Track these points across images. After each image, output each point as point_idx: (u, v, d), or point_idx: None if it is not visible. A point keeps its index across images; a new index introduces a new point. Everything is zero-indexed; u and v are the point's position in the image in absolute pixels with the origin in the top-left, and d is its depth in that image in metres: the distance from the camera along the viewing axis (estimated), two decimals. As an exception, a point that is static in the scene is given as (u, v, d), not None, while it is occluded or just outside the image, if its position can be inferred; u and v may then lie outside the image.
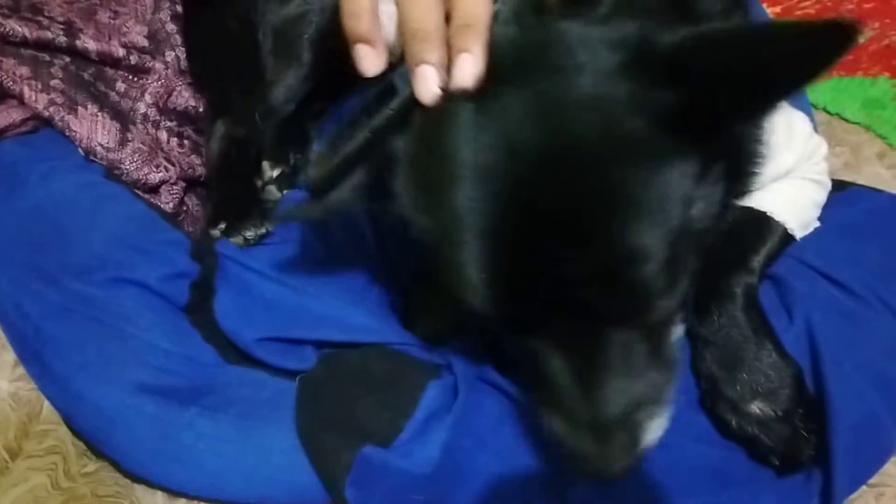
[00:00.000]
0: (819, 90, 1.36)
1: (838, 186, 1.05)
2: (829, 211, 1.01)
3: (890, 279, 0.94)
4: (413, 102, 0.63)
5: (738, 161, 0.79)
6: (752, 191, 0.90)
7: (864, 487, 0.91)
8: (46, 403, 0.98)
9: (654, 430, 0.71)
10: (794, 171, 0.98)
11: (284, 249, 0.98)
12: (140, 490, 0.93)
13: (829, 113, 1.35)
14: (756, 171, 0.84)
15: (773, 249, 0.95)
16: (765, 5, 1.53)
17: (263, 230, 0.99)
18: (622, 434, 0.68)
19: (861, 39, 1.42)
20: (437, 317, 0.94)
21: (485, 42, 0.61)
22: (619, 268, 0.60)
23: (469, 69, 0.61)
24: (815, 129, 1.12)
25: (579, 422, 0.69)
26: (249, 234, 0.98)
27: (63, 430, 0.98)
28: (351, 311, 0.94)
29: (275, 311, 0.93)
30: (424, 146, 0.65)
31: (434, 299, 0.94)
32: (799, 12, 1.52)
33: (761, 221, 0.95)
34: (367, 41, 0.67)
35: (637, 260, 0.60)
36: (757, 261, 0.93)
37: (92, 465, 0.95)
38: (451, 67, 0.62)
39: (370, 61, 0.67)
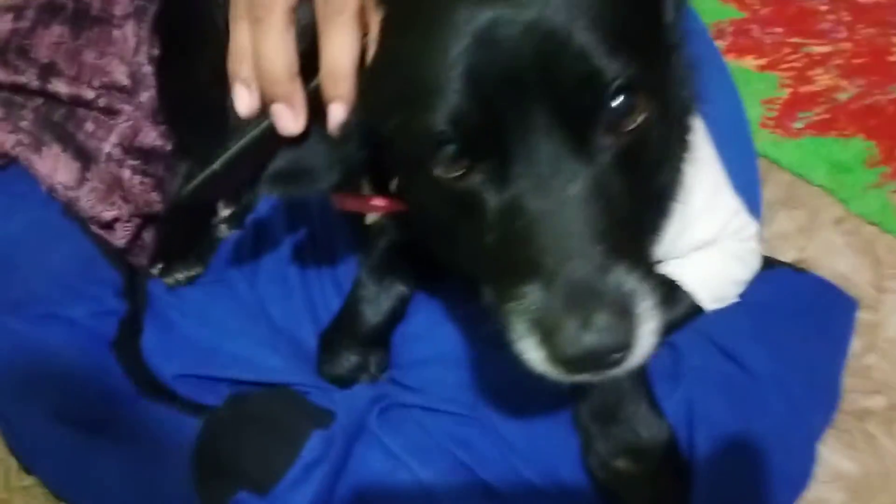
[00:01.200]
0: (785, 149, 1.36)
1: (768, 264, 1.07)
2: (749, 287, 1.03)
3: (788, 360, 0.95)
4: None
5: None
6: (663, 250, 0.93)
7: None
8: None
9: (650, 315, 0.65)
10: (714, 243, 1.00)
11: (212, 290, 1.06)
12: (65, 507, 1.02)
13: (792, 173, 1.34)
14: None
15: (675, 318, 0.98)
16: (750, 57, 1.52)
17: (194, 272, 1.06)
18: (609, 291, 0.62)
19: (842, 97, 1.42)
20: (346, 359, 1.01)
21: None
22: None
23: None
24: (759, 202, 1.14)
25: (553, 278, 0.63)
26: (181, 275, 1.06)
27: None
28: (262, 352, 1.00)
29: (193, 349, 1.01)
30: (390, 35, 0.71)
31: (345, 343, 1.01)
32: (785, 65, 1.51)
33: (667, 288, 0.97)
34: (245, 85, 0.78)
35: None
36: None
37: (28, 480, 1.03)
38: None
39: (244, 102, 0.79)
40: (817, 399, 0.95)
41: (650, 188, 0.76)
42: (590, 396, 0.89)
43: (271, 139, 0.78)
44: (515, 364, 0.69)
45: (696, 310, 0.99)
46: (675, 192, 0.87)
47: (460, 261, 0.78)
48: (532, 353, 0.65)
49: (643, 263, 0.67)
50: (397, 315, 1.01)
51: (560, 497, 0.89)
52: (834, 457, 1.00)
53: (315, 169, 0.79)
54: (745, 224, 1.02)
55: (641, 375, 0.91)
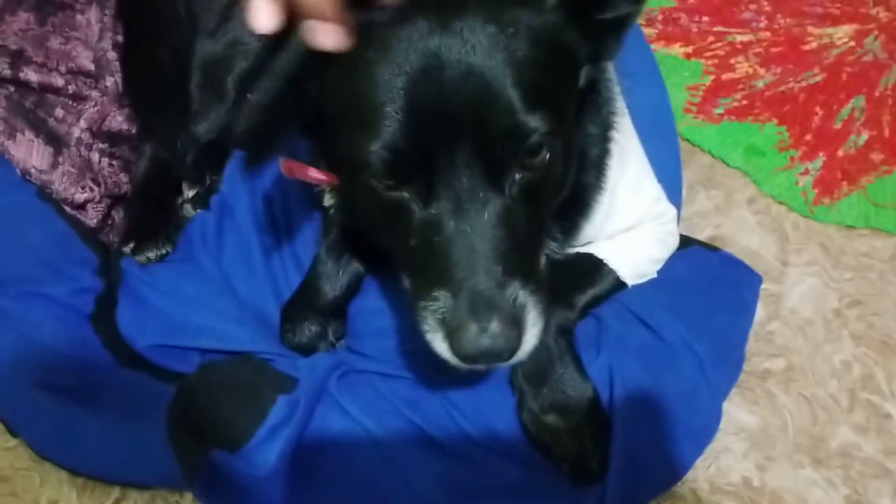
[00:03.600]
0: (706, 133, 1.48)
1: (684, 243, 1.20)
2: (666, 264, 1.16)
3: (698, 329, 1.08)
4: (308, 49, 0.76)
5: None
6: (585, 230, 1.06)
7: (657, 506, 1.07)
8: (-20, 386, 1.16)
9: (534, 325, 0.80)
10: (636, 227, 1.12)
11: (180, 267, 1.15)
12: (48, 467, 1.10)
13: (712, 156, 1.46)
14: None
15: (600, 293, 1.11)
16: (677, 45, 1.64)
17: (164, 251, 1.15)
18: (504, 304, 0.77)
19: (759, 84, 1.55)
20: (307, 329, 1.11)
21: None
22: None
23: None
24: (679, 185, 1.27)
25: (460, 288, 0.78)
26: (151, 254, 1.14)
27: (-9, 410, 1.16)
28: (229, 324, 1.10)
29: (164, 321, 1.10)
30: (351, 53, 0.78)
31: (306, 314, 1.11)
32: (709, 53, 1.62)
33: (595, 266, 1.11)
34: None
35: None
36: (580, 299, 1.09)
37: (12, 441, 1.13)
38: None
39: (263, 15, 0.72)
40: (723, 363, 1.08)
41: (548, 209, 0.90)
42: (523, 362, 1.01)
43: (308, 60, 0.78)
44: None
45: (620, 285, 1.12)
46: (596, 192, 1.03)
47: (389, 251, 0.92)
48: (438, 344, 0.82)
49: (534, 279, 0.82)
50: (353, 290, 1.13)
51: (497, 449, 1.01)
52: (738, 412, 1.15)
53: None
54: (665, 210, 1.15)
55: (570, 343, 1.04)
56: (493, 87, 0.76)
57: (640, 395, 1.01)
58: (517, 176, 0.80)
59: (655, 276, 1.14)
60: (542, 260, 0.90)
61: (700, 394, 1.03)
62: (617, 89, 1.03)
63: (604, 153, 1.01)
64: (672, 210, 1.15)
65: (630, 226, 1.12)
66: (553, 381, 1.00)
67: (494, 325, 0.77)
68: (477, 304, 0.77)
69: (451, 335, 0.79)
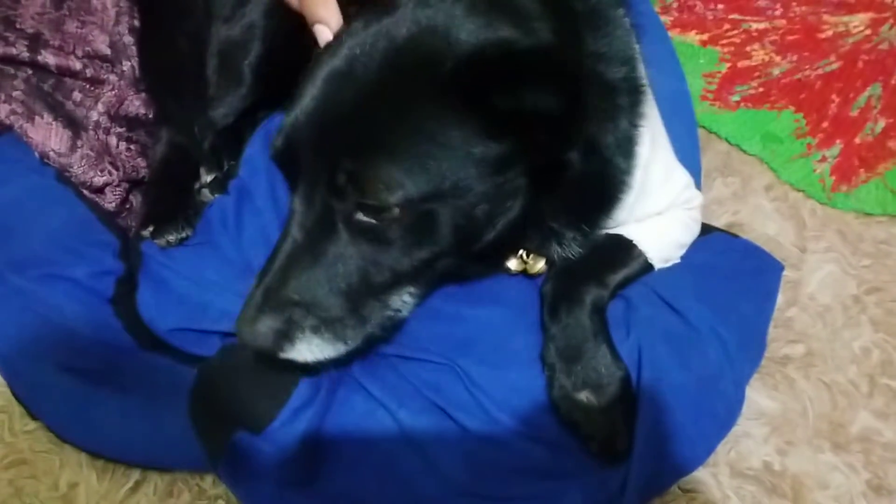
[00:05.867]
0: (723, 120, 1.48)
1: (705, 230, 1.20)
2: (689, 250, 1.16)
3: (724, 314, 1.08)
4: None
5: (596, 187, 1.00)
6: (614, 218, 1.05)
7: (678, 491, 1.07)
8: (-2, 368, 1.16)
9: (307, 343, 0.88)
10: (666, 212, 1.12)
11: (200, 251, 1.14)
12: (68, 449, 1.10)
13: (729, 143, 1.46)
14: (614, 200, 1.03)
15: (630, 274, 1.11)
16: (693, 32, 1.63)
17: (184, 234, 1.14)
18: (280, 312, 0.87)
19: (775, 72, 1.55)
20: None
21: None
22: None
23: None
24: (699, 171, 1.26)
25: (262, 282, 0.89)
26: (171, 237, 1.13)
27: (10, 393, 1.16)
28: (249, 307, 1.10)
29: (185, 305, 1.09)
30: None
31: None
32: (725, 40, 1.62)
33: (626, 248, 1.10)
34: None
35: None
36: (613, 279, 1.08)
37: (31, 424, 1.13)
38: None
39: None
40: (746, 349, 1.08)
41: (416, 258, 0.91)
42: (555, 339, 1.02)
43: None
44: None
45: (647, 267, 1.12)
46: (621, 188, 1.03)
47: None
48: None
49: (319, 309, 0.89)
50: None
51: (522, 430, 1.01)
52: (758, 397, 1.15)
53: None
54: (693, 196, 1.15)
55: (603, 321, 1.04)
56: (350, 130, 0.84)
57: (666, 378, 1.01)
58: (358, 217, 0.86)
59: (678, 260, 1.14)
60: (371, 307, 0.93)
61: (724, 378, 1.03)
62: (647, 88, 1.03)
63: (630, 160, 1.02)
64: (699, 196, 1.16)
65: (660, 210, 1.12)
66: (587, 359, 1.00)
67: (262, 325, 0.87)
68: (261, 301, 0.88)
69: (240, 316, 0.90)
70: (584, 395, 1.00)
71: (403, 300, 0.95)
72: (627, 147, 1.00)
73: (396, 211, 0.84)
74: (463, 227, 0.88)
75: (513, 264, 1.08)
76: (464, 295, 1.09)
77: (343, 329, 0.90)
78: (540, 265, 1.08)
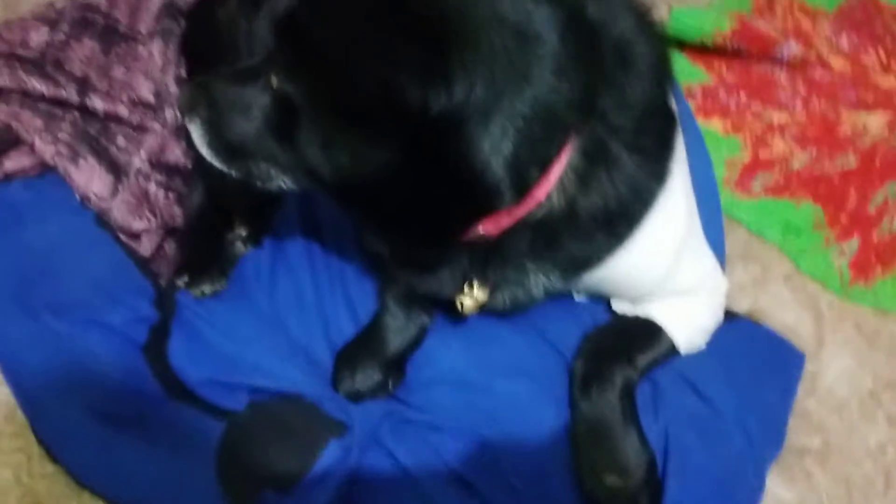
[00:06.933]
0: (744, 209, 1.51)
1: (728, 316, 1.22)
2: (714, 335, 1.18)
3: (749, 402, 1.10)
4: None
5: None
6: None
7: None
8: (21, 407, 1.16)
9: None
10: (693, 293, 1.14)
11: (235, 304, 1.16)
12: (86, 496, 1.09)
13: (750, 231, 1.49)
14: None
15: (658, 356, 1.12)
16: (716, 118, 1.67)
17: (219, 286, 1.16)
18: None
19: (795, 164, 1.58)
20: (369, 377, 1.11)
21: None
22: None
23: None
24: (723, 257, 1.29)
25: None
26: (206, 288, 1.15)
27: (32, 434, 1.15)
28: (281, 364, 1.11)
29: (217, 356, 1.10)
30: None
31: (368, 363, 1.12)
32: (747, 130, 1.66)
33: (655, 331, 1.12)
34: None
35: None
36: (642, 360, 1.10)
37: (50, 467, 1.11)
38: None
39: None
40: (769, 437, 1.10)
41: None
42: (585, 417, 1.03)
43: None
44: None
45: (674, 351, 1.13)
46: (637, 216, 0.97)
47: None
48: None
49: None
50: (418, 342, 1.14)
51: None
52: (776, 488, 1.15)
53: None
54: (720, 283, 1.18)
55: (633, 404, 1.06)
56: None
57: (692, 464, 1.02)
58: None
59: (702, 346, 1.16)
60: None
61: (748, 466, 1.05)
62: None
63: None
64: (725, 283, 1.18)
65: (688, 289, 1.13)
66: (616, 441, 1.02)
67: None
68: None
69: None
70: (611, 478, 1.01)
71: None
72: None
73: None
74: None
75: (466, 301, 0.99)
76: (492, 364, 1.11)
77: None
78: (482, 296, 0.99)
